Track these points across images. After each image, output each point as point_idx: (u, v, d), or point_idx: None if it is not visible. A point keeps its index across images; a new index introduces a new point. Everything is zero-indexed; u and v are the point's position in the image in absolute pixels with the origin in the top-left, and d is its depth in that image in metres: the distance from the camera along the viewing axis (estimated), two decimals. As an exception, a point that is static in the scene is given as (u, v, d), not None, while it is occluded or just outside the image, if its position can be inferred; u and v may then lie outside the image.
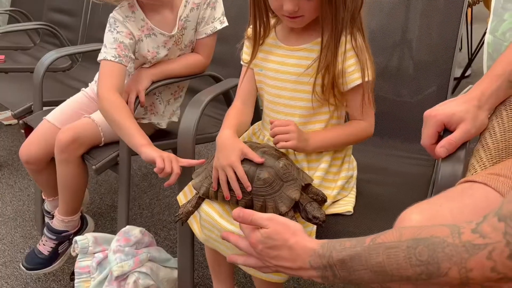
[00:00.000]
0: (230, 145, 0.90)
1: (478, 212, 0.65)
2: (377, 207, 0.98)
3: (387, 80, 1.29)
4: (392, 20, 1.27)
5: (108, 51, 1.16)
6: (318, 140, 0.92)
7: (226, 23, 1.29)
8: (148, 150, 1.06)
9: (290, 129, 0.89)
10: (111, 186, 1.91)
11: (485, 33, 1.80)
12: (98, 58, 1.18)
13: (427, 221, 0.65)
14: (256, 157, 0.87)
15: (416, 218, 0.66)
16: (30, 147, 1.26)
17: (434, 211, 0.66)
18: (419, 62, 1.26)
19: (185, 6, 1.22)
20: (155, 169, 1.04)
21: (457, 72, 2.99)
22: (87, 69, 2.00)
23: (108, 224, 1.67)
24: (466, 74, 3.03)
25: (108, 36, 1.18)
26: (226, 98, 1.41)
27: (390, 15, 1.28)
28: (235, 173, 0.88)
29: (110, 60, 1.15)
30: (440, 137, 0.82)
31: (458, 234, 0.51)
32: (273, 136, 0.90)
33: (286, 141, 0.88)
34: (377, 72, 1.27)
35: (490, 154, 0.82)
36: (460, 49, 3.65)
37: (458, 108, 0.79)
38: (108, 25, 1.19)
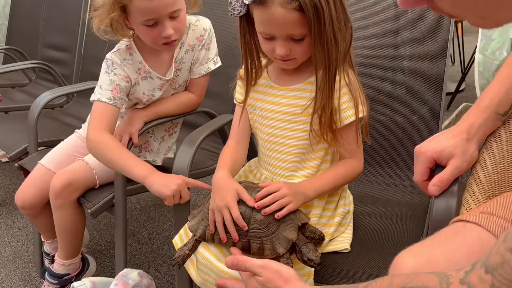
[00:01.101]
0: (225, 186, 0.90)
1: (472, 255, 0.65)
2: (375, 242, 0.98)
3: (381, 104, 1.30)
4: (382, 42, 1.28)
5: (103, 93, 1.16)
6: (315, 188, 0.91)
7: (219, 63, 1.30)
8: (154, 182, 1.04)
9: (283, 193, 0.87)
10: (110, 222, 1.90)
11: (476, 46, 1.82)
12: (91, 98, 1.17)
13: (421, 266, 0.65)
14: (249, 200, 0.87)
15: (410, 263, 0.66)
16: (25, 192, 1.26)
17: (428, 255, 0.65)
18: (411, 82, 1.26)
19: (180, 48, 1.23)
20: (165, 203, 1.04)
21: (452, 87, 3.00)
22: (83, 104, 2.01)
23: (108, 261, 1.66)
24: (461, 88, 3.05)
25: (104, 78, 1.17)
26: (221, 133, 1.41)
27: (380, 38, 1.29)
28: (231, 214, 0.88)
29: (104, 102, 1.15)
30: (432, 173, 0.82)
31: (446, 285, 0.50)
32: (266, 205, 0.86)
33: (285, 206, 0.86)
34: (371, 96, 1.28)
35: (482, 188, 0.82)
36: (453, 63, 3.68)
37: (447, 143, 0.80)
38: (105, 66, 1.19)
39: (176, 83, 1.28)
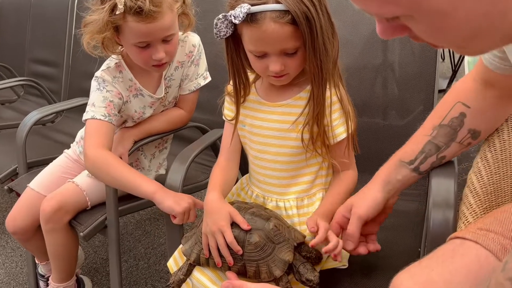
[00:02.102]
0: (217, 210, 0.89)
1: (470, 275, 0.64)
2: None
3: (373, 108, 1.29)
4: (370, 46, 1.27)
5: (96, 110, 1.13)
6: (330, 211, 0.91)
7: (209, 78, 1.28)
8: (165, 198, 1.02)
9: (326, 225, 0.86)
10: (105, 239, 1.87)
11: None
12: (84, 118, 1.15)
13: (420, 287, 0.63)
14: (242, 223, 0.86)
15: (409, 284, 0.65)
16: (16, 218, 1.24)
17: (426, 277, 0.64)
18: (403, 83, 1.25)
19: (169, 65, 1.21)
20: (174, 221, 1.02)
21: (443, 84, 3.00)
22: (72, 120, 1.99)
23: (104, 280, 1.64)
24: (452, 84, 3.04)
25: (96, 95, 1.14)
26: (213, 147, 1.40)
27: (368, 41, 1.28)
28: (225, 238, 0.86)
29: (99, 119, 1.12)
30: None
31: None
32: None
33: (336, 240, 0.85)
34: (363, 100, 1.26)
35: (479, 200, 0.81)
36: (443, 59, 3.68)
37: (352, 197, 0.87)
38: (95, 84, 1.16)
39: (166, 100, 1.26)
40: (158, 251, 1.78)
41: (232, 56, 0.88)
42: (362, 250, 0.85)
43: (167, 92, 1.24)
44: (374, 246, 0.87)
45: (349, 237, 0.83)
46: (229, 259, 0.85)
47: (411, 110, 1.26)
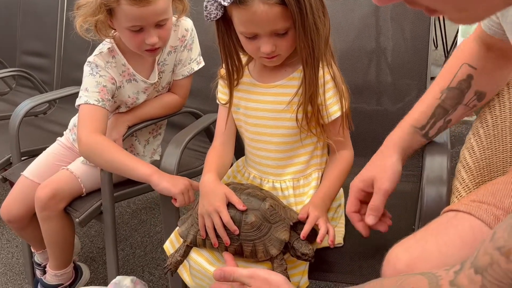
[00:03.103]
0: (213, 190, 0.89)
1: (465, 246, 0.64)
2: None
3: (366, 93, 1.29)
4: (364, 31, 1.27)
5: (90, 95, 1.12)
6: (330, 196, 0.92)
7: (202, 63, 1.27)
8: (161, 180, 1.03)
9: (315, 216, 0.87)
10: (101, 228, 1.88)
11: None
12: (78, 103, 1.14)
13: (414, 260, 0.64)
14: (238, 203, 0.86)
15: (404, 257, 0.65)
16: (10, 206, 1.24)
17: (421, 249, 0.65)
18: (396, 69, 1.25)
19: (162, 50, 1.21)
20: (175, 204, 1.02)
21: (436, 71, 3.01)
22: (65, 110, 1.97)
23: (101, 268, 1.64)
24: (445, 71, 3.05)
25: (89, 80, 1.13)
26: (208, 132, 1.40)
27: (362, 27, 1.28)
28: (221, 219, 0.86)
29: (93, 104, 1.11)
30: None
31: (436, 286, 0.50)
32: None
33: (325, 228, 0.86)
34: (356, 85, 1.26)
35: (472, 174, 0.82)
36: (436, 47, 3.69)
37: (368, 169, 0.83)
38: (88, 68, 1.15)
39: (160, 85, 1.25)
40: (154, 239, 1.78)
41: (224, 38, 0.88)
42: (383, 228, 0.83)
43: (161, 77, 1.24)
44: (389, 222, 0.85)
45: (373, 212, 0.80)
46: (226, 238, 0.86)
47: (404, 95, 1.27)
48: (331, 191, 0.93)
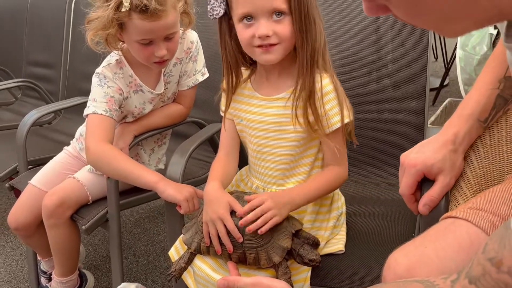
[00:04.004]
0: (217, 198, 0.91)
1: (462, 251, 0.66)
2: (368, 242, 0.99)
3: (366, 103, 1.31)
4: (365, 43, 1.30)
5: (98, 105, 1.15)
6: (304, 194, 0.91)
7: (207, 74, 1.31)
8: (167, 187, 1.05)
9: (267, 206, 0.86)
10: (104, 236, 1.90)
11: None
12: (86, 112, 1.16)
13: (414, 265, 0.66)
14: (240, 209, 0.88)
15: (403, 262, 0.67)
16: (18, 214, 1.26)
17: (420, 253, 0.67)
18: (395, 80, 1.28)
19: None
20: (180, 211, 1.04)
21: (436, 82, 3.04)
22: (70, 120, 2.00)
23: (104, 276, 1.65)
24: (445, 83, 3.09)
25: (98, 91, 1.16)
26: (211, 142, 1.42)
27: (363, 39, 1.31)
28: (225, 226, 0.88)
29: (101, 114, 1.14)
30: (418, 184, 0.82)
31: None
32: (250, 222, 0.87)
33: (269, 221, 0.86)
34: (356, 96, 1.27)
35: (469, 183, 0.84)
36: (436, 59, 3.73)
37: (436, 156, 0.79)
38: (96, 79, 1.18)
39: (165, 95, 1.29)
40: (158, 248, 1.80)
41: (225, 38, 0.91)
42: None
43: (166, 88, 1.27)
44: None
45: (432, 203, 0.79)
46: (229, 246, 0.88)
47: (404, 106, 1.29)
48: (308, 192, 0.92)
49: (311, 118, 0.90)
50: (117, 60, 1.20)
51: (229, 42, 0.91)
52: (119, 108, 1.21)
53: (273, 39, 0.85)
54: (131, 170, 1.09)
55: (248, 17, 0.85)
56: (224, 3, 0.85)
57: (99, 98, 1.15)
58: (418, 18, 0.40)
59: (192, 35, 1.26)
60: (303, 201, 0.91)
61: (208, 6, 0.85)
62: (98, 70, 1.19)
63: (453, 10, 0.38)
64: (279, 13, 0.84)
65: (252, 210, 0.87)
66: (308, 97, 0.89)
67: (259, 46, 0.87)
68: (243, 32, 0.87)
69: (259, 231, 0.86)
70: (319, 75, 0.90)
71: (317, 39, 0.87)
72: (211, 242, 0.91)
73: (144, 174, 1.08)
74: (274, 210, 0.86)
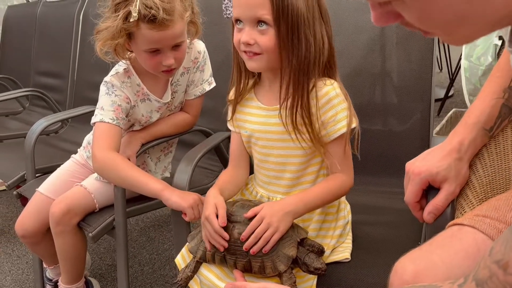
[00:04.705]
0: (207, 202, 0.93)
1: (469, 258, 0.67)
2: (374, 250, 0.99)
3: (372, 114, 1.32)
4: (370, 54, 1.31)
5: (105, 114, 1.16)
6: (305, 203, 0.90)
7: (214, 84, 1.32)
8: (172, 195, 1.06)
9: (266, 223, 0.86)
10: (110, 245, 1.90)
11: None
12: (93, 120, 1.18)
13: (421, 271, 0.66)
14: (221, 218, 0.88)
15: (410, 268, 0.67)
16: (25, 221, 1.27)
17: (426, 260, 0.67)
18: (400, 91, 1.28)
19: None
20: (185, 219, 1.04)
21: (441, 93, 3.05)
22: (77, 129, 2.03)
23: (109, 285, 1.66)
24: (449, 94, 3.10)
25: (105, 99, 1.18)
26: (217, 151, 1.43)
27: (368, 50, 1.32)
28: (227, 228, 0.89)
29: (108, 122, 1.15)
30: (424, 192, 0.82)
31: None
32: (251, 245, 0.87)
33: (271, 236, 0.86)
34: (362, 106, 1.28)
35: (475, 191, 0.84)
36: (441, 69, 3.74)
37: (441, 165, 0.79)
38: (104, 88, 1.19)
39: (172, 104, 1.30)
40: (163, 257, 1.80)
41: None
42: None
43: (174, 97, 1.28)
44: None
45: (437, 212, 0.79)
46: (218, 245, 0.89)
47: (408, 117, 1.29)
48: (310, 200, 0.91)
49: (302, 128, 0.90)
50: (125, 69, 1.21)
51: None
52: (126, 116, 1.22)
53: (255, 48, 0.86)
54: (136, 178, 1.10)
55: (239, 21, 0.87)
56: None
57: (107, 107, 1.17)
58: (430, 19, 0.40)
59: (199, 45, 1.28)
60: (304, 210, 0.90)
61: (223, 5, 0.86)
62: (106, 79, 1.20)
63: (466, 9, 0.38)
64: (263, 23, 0.84)
65: (252, 227, 0.87)
66: (297, 107, 0.88)
67: (246, 52, 0.88)
68: (234, 35, 0.89)
69: (263, 250, 0.86)
70: (322, 82, 0.90)
71: (307, 55, 0.85)
72: (215, 248, 0.91)
73: (149, 182, 1.09)
74: (272, 228, 0.86)
